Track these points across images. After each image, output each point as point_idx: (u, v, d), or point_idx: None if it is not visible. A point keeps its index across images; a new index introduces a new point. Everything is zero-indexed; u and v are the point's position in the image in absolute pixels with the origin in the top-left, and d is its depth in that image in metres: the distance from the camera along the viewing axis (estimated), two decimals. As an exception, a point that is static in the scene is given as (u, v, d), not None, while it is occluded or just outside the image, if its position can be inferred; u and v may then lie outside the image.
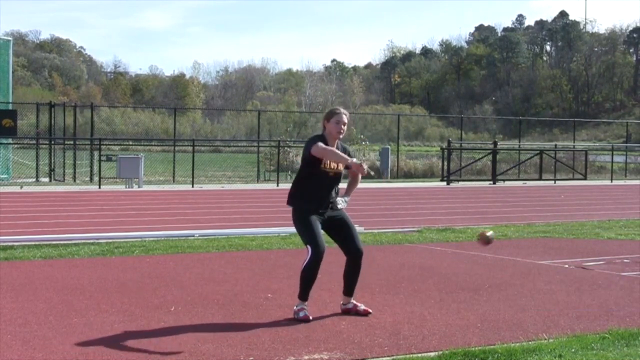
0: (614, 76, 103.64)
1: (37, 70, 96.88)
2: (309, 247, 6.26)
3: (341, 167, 6.46)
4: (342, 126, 6.41)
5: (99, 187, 22.17)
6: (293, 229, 6.70)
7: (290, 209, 6.50)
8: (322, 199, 6.40)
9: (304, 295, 6.33)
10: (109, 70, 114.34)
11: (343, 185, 6.52)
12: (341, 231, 6.48)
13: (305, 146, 6.42)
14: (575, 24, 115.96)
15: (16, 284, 7.62)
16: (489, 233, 6.52)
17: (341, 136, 6.45)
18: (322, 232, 6.35)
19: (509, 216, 15.81)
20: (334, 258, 7.25)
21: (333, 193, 6.48)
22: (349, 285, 6.55)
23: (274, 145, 30.71)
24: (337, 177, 6.46)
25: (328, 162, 6.36)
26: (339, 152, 6.35)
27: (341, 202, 6.50)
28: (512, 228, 13.47)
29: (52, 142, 26.44)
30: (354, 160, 6.21)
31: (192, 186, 23.37)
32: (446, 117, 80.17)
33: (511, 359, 5.13)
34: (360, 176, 6.81)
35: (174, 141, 32.78)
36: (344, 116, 6.44)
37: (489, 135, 76.35)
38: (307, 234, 6.30)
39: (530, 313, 6.67)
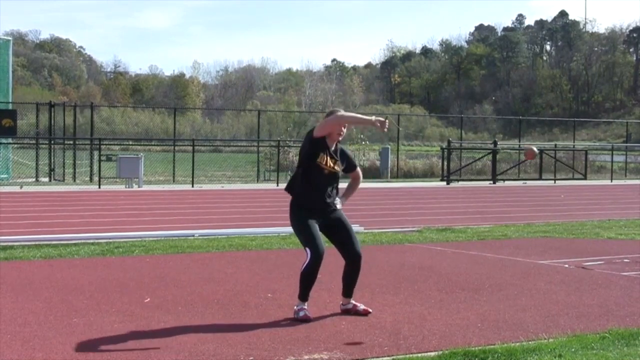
0: (614, 76, 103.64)
1: (37, 70, 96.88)
2: (307, 250, 6.23)
3: (337, 167, 6.43)
4: (343, 128, 6.41)
5: (99, 187, 22.18)
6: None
7: (288, 209, 6.49)
8: (318, 197, 6.36)
9: (304, 296, 6.33)
10: (108, 70, 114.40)
11: (342, 186, 6.51)
12: (339, 234, 6.43)
13: (304, 140, 6.42)
14: (575, 23, 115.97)
15: (16, 284, 7.62)
16: (536, 149, 7.68)
17: (341, 138, 6.44)
18: (320, 233, 6.34)
19: (509, 216, 15.81)
20: (334, 258, 7.24)
21: (331, 192, 6.42)
22: (348, 287, 6.54)
23: (274, 145, 30.72)
24: (332, 176, 6.40)
25: (324, 158, 6.34)
26: (356, 114, 6.45)
27: (338, 203, 6.49)
28: (512, 228, 13.47)
29: (52, 142, 26.44)
30: (374, 117, 6.31)
31: (192, 186, 23.37)
32: (446, 116, 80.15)
33: (511, 359, 5.13)
34: (360, 179, 6.79)
35: (174, 141, 32.78)
36: (344, 118, 6.44)
37: (489, 135, 76.35)
38: (305, 236, 6.27)
39: (530, 313, 6.66)
